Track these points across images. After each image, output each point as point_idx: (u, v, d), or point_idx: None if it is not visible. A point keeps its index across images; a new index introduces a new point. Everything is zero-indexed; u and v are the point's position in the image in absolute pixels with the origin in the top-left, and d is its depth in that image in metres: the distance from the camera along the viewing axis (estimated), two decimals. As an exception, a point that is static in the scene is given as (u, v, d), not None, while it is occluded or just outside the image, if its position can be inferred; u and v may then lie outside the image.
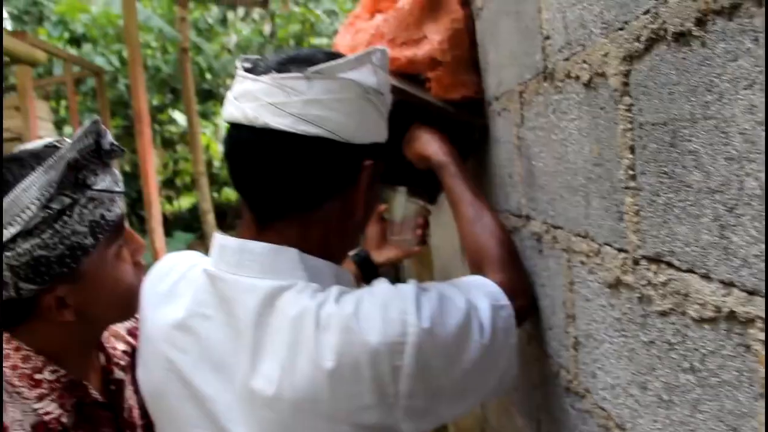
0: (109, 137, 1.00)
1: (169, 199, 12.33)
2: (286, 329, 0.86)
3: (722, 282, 0.58)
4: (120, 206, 1.00)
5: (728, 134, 0.55)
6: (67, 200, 0.91)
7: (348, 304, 0.87)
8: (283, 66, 0.91)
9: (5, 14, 10.98)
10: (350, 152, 0.92)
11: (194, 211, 11.08)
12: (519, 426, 1.60)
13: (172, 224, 11.10)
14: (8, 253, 0.88)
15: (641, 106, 0.71)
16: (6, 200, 0.88)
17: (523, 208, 1.30)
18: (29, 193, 0.88)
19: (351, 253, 1.57)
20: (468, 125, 1.55)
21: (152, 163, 5.82)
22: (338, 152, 0.91)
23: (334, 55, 0.93)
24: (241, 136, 0.92)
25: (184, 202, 12.52)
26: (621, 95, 0.76)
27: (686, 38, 0.60)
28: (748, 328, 0.55)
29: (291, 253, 0.92)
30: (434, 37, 1.54)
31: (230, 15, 11.58)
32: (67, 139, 0.98)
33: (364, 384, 0.84)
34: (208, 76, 10.89)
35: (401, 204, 1.51)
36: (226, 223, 11.67)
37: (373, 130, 0.95)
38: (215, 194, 11.85)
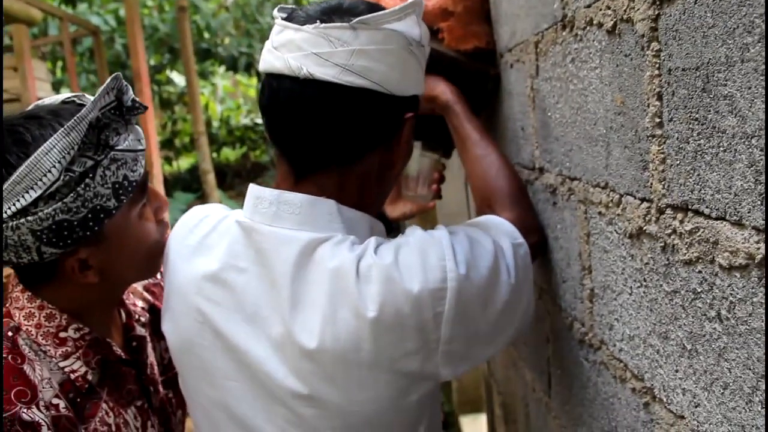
0: (131, 93, 0.97)
1: (168, 160, 12.27)
2: (325, 281, 0.86)
3: (756, 228, 0.57)
4: (143, 164, 0.97)
5: (768, 76, 0.53)
6: (90, 162, 0.89)
7: (387, 254, 0.87)
8: (327, 16, 0.89)
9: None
10: (394, 104, 0.92)
11: (194, 172, 11.04)
12: (528, 380, 1.61)
13: (172, 185, 11.08)
14: (30, 218, 0.86)
15: (671, 51, 0.69)
16: (26, 163, 0.85)
17: (536, 160, 1.29)
18: (50, 155, 0.85)
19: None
20: (481, 74, 1.53)
21: (152, 123, 5.77)
22: (383, 104, 0.90)
23: (376, 7, 0.92)
24: (282, 86, 0.90)
25: (184, 163, 12.47)
26: (649, 41, 0.74)
27: (723, -23, 0.58)
28: (784, 273, 0.54)
29: (329, 205, 0.92)
30: (445, -13, 1.51)
31: (227, -28, 11.38)
32: (88, 96, 0.96)
33: (408, 331, 0.85)
34: (207, 35, 10.74)
35: (416, 158, 1.50)
36: (225, 183, 11.65)
37: (414, 82, 0.94)
38: (215, 154, 11.80)
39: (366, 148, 0.93)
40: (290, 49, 0.88)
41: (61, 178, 0.86)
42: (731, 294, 0.63)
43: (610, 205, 0.92)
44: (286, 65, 0.88)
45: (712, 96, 0.62)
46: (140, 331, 1.11)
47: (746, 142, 0.57)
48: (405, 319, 0.84)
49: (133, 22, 5.57)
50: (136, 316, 1.13)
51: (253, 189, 0.96)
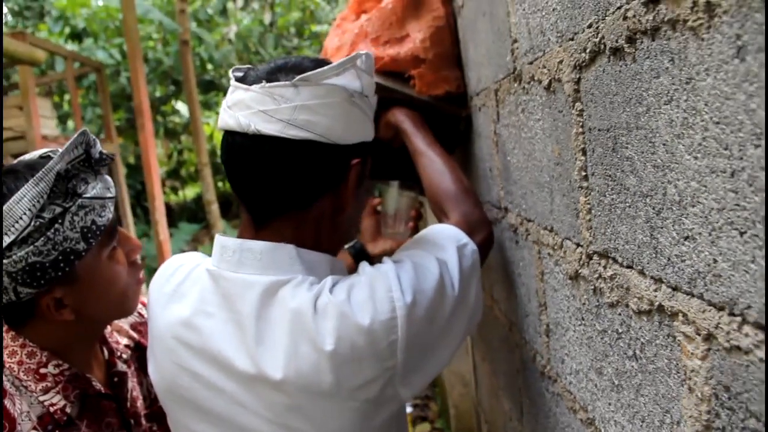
0: (99, 146, 1.05)
1: (175, 190, 12.41)
2: (287, 320, 0.93)
3: (653, 278, 0.64)
4: (111, 210, 1.05)
5: (654, 144, 0.60)
6: (58, 209, 0.97)
7: (341, 291, 0.94)
8: (272, 75, 0.97)
9: (5, 10, 11.01)
10: (338, 153, 0.98)
11: (199, 202, 11.16)
12: (506, 409, 1.66)
13: (178, 215, 11.19)
14: (5, 261, 0.94)
15: (590, 112, 0.76)
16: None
17: (501, 200, 1.35)
18: (22, 204, 0.94)
19: (347, 246, 1.64)
20: (452, 117, 1.60)
21: (155, 156, 5.88)
22: (327, 153, 0.97)
23: (321, 62, 0.99)
24: (235, 142, 0.98)
25: (189, 193, 12.60)
26: (573, 101, 0.81)
27: (621, 53, 0.65)
28: (674, 320, 0.60)
29: (288, 250, 0.99)
30: (417, 35, 1.59)
31: (230, 5, 11.58)
32: (59, 149, 1.04)
33: (365, 361, 0.91)
34: (210, 66, 10.92)
35: (394, 197, 1.57)
36: (230, 213, 11.74)
37: (359, 130, 1.00)
38: (219, 184, 11.91)
39: (316, 194, 1.00)
40: (240, 107, 0.96)
41: (32, 223, 0.95)
42: (642, 336, 0.69)
43: (556, 247, 0.98)
44: (237, 123, 0.95)
45: (618, 156, 0.69)
46: (122, 367, 1.18)
47: (643, 201, 0.64)
48: (360, 351, 0.91)
49: (135, 58, 5.70)
50: (119, 353, 1.20)
51: (218, 239, 1.04)
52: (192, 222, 10.52)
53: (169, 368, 1.05)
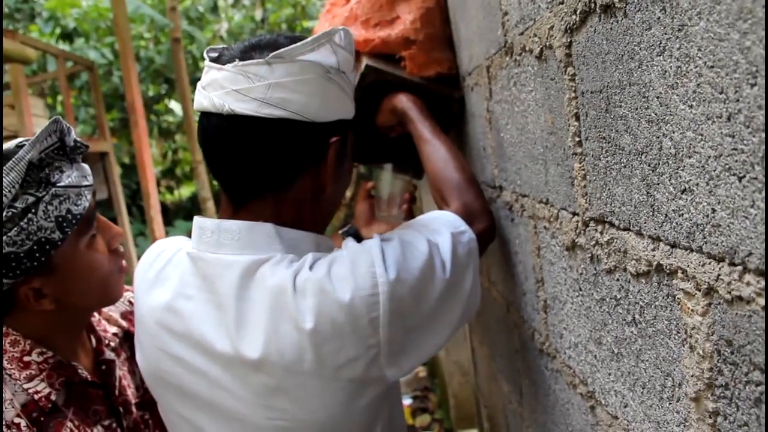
0: (73, 134, 1.03)
1: (170, 189, 12.37)
2: (266, 299, 0.91)
3: (651, 237, 0.62)
4: (88, 199, 1.03)
5: (648, 98, 0.58)
6: (31, 199, 0.95)
7: (321, 267, 0.92)
8: (246, 53, 0.95)
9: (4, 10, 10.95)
10: (315, 131, 0.96)
11: (195, 200, 11.13)
12: (505, 391, 1.65)
13: (174, 213, 11.16)
14: None
15: (582, 76, 0.75)
16: None
17: (496, 179, 1.34)
18: None
19: (341, 230, 1.62)
20: (445, 98, 1.59)
21: (149, 154, 5.86)
22: (303, 131, 0.95)
23: (297, 39, 0.96)
24: (210, 123, 0.96)
25: (185, 191, 12.55)
26: (565, 66, 0.79)
27: (612, 10, 0.63)
28: (673, 278, 0.59)
29: (266, 228, 0.97)
30: (407, 17, 1.57)
31: (221, 2, 11.53)
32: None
33: (346, 339, 0.89)
34: (202, 64, 10.89)
35: (388, 181, 1.55)
36: (227, 211, 11.71)
37: (337, 107, 0.98)
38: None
39: (293, 173, 0.98)
40: (214, 87, 0.94)
41: (4, 214, 0.93)
42: (640, 299, 0.68)
43: (552, 219, 0.97)
44: (211, 103, 0.94)
45: (612, 116, 0.67)
46: (109, 355, 1.17)
47: (638, 158, 0.62)
48: (341, 327, 0.89)
49: (126, 57, 5.67)
50: (106, 341, 1.18)
51: (197, 220, 1.02)
52: (188, 220, 10.48)
53: (154, 354, 1.04)
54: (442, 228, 1.06)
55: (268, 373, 0.91)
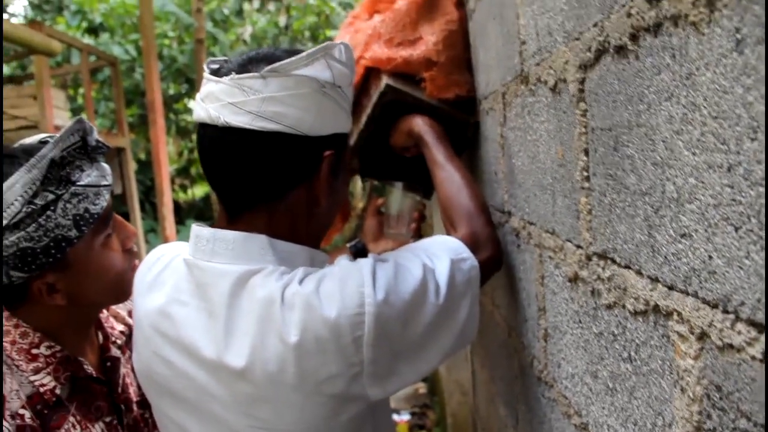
0: (95, 134, 1.06)
1: (184, 188, 12.46)
2: (255, 309, 0.93)
3: (650, 277, 0.63)
4: (106, 198, 1.05)
5: (654, 141, 0.59)
6: (51, 196, 0.98)
7: (310, 283, 0.93)
8: (243, 66, 0.96)
9: (25, 2, 11.12)
10: (309, 144, 0.97)
11: (207, 200, 11.20)
12: (502, 415, 1.65)
13: (186, 212, 11.22)
14: None
15: (593, 112, 0.76)
16: None
17: (505, 204, 1.35)
18: (14, 190, 0.95)
19: (349, 244, 1.64)
20: (461, 123, 1.60)
21: (165, 152, 5.91)
22: (297, 145, 0.96)
23: (295, 53, 0.97)
24: (207, 134, 0.98)
25: (198, 191, 12.63)
26: (578, 101, 0.80)
27: (624, 51, 0.65)
28: (668, 320, 0.60)
29: (260, 240, 0.98)
30: (429, 38, 1.59)
31: (246, 6, 11.64)
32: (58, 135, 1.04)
33: (329, 355, 0.90)
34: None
35: (397, 199, 1.56)
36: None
37: (332, 121, 1.00)
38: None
39: (287, 186, 1.00)
40: (211, 99, 0.96)
41: (23, 210, 0.95)
42: (637, 337, 0.68)
43: (556, 250, 0.97)
44: (207, 115, 0.96)
45: (619, 155, 0.68)
46: (115, 352, 1.19)
47: (642, 199, 0.63)
48: (325, 343, 0.90)
49: (149, 55, 5.74)
50: (113, 338, 1.20)
51: (194, 228, 1.04)
52: (199, 220, 10.52)
53: (147, 356, 1.06)
54: (442, 253, 1.06)
55: (252, 383, 0.92)
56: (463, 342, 1.08)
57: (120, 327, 1.25)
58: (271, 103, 0.92)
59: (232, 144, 0.95)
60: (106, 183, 1.06)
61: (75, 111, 9.59)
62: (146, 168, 9.86)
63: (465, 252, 1.09)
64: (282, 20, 11.47)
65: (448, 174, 1.30)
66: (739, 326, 0.47)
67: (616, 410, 0.77)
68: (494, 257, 1.17)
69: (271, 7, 11.87)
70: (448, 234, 1.21)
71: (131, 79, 10.14)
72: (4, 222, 0.95)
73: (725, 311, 0.49)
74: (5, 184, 0.95)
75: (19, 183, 0.95)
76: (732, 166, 0.46)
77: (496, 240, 1.19)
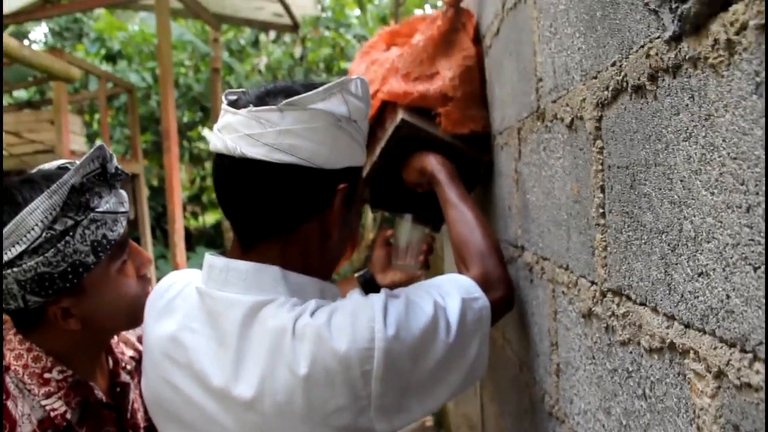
0: (115, 162, 1.08)
1: (195, 215, 12.51)
2: (266, 340, 0.93)
3: (666, 315, 0.64)
4: (123, 225, 1.07)
5: (672, 180, 0.60)
6: (70, 222, 0.99)
7: (322, 315, 0.94)
8: (261, 99, 0.98)
9: (46, 30, 11.32)
10: (323, 177, 0.99)
11: (218, 228, 11.23)
12: (511, 451, 1.63)
13: (197, 240, 11.25)
14: (15, 269, 0.96)
15: (610, 150, 0.77)
16: (14, 221, 0.96)
17: (519, 239, 1.36)
18: (34, 215, 0.96)
19: (357, 274, 1.64)
20: (474, 160, 1.61)
21: (178, 179, 5.95)
22: (311, 178, 0.98)
23: (312, 87, 0.99)
24: (223, 164, 1.00)
25: (209, 218, 12.68)
26: (594, 138, 0.82)
27: (642, 91, 0.66)
28: (684, 358, 0.60)
29: (273, 271, 0.99)
30: (446, 73, 1.61)
31: (262, 37, 11.80)
32: (78, 161, 1.06)
33: (337, 388, 0.91)
34: (238, 96, 11.06)
35: (406, 230, 1.57)
36: (248, 241, 11.76)
37: (346, 155, 1.01)
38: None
39: (300, 218, 1.01)
40: (228, 131, 0.98)
41: (43, 235, 0.97)
42: (652, 374, 0.68)
43: (570, 285, 0.98)
44: (224, 146, 0.97)
45: (636, 193, 0.69)
46: (125, 378, 1.19)
47: (659, 237, 0.64)
48: (334, 376, 0.90)
49: (165, 83, 5.81)
50: (123, 364, 1.21)
51: (207, 258, 1.05)
52: (210, 247, 10.56)
53: (156, 382, 1.06)
54: (453, 291, 1.07)
55: (260, 413, 0.92)
56: (471, 380, 1.08)
57: (130, 352, 1.26)
58: (287, 136, 0.94)
59: (248, 175, 0.97)
60: (123, 210, 1.08)
61: (90, 137, 9.70)
62: (158, 194, 9.92)
63: (477, 291, 1.10)
64: (297, 51, 11.60)
65: (461, 214, 1.31)
66: (757, 366, 0.47)
67: (629, 448, 0.76)
68: (506, 297, 1.18)
69: (287, 38, 12.03)
70: (460, 272, 1.22)
71: (147, 106, 10.25)
72: (24, 247, 0.96)
73: (743, 350, 0.49)
74: (26, 210, 0.96)
75: (39, 209, 0.96)
76: (751, 207, 0.46)
77: (508, 280, 1.20)
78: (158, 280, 1.20)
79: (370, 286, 1.58)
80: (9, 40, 3.76)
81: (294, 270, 1.00)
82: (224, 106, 1.02)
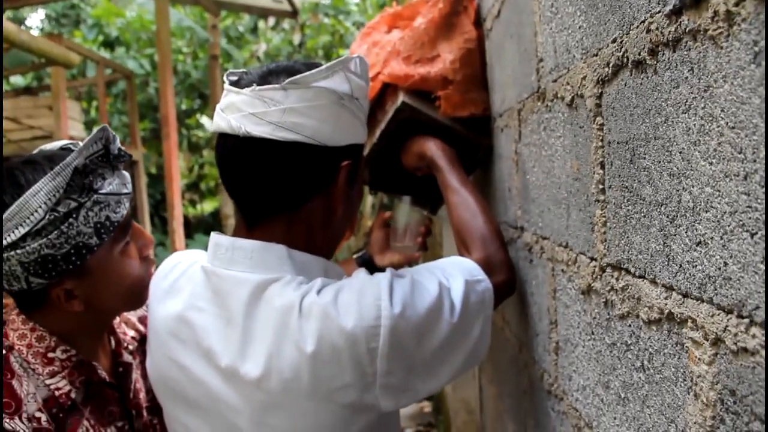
0: (118, 143, 1.08)
1: (193, 203, 12.51)
2: (273, 318, 0.94)
3: (664, 286, 0.65)
4: (126, 207, 1.07)
5: (671, 153, 0.61)
6: (73, 204, 0.99)
7: (328, 293, 0.95)
8: (263, 78, 0.99)
9: (43, 16, 11.28)
10: (327, 154, 1.00)
11: (216, 215, 11.23)
12: (510, 431, 1.65)
13: (195, 227, 11.26)
14: (18, 251, 0.97)
15: (610, 126, 0.78)
16: (17, 202, 0.96)
17: (518, 220, 1.37)
18: (38, 197, 0.96)
19: (355, 255, 1.66)
20: (474, 145, 1.62)
21: (177, 166, 5.95)
22: (316, 155, 0.99)
23: (314, 66, 1.00)
24: (227, 144, 1.00)
25: (207, 206, 12.68)
26: (595, 115, 0.82)
27: (643, 66, 0.67)
28: (683, 327, 0.61)
29: (279, 249, 1.00)
30: (447, 56, 1.61)
31: (261, 24, 11.75)
32: (80, 142, 1.07)
33: (344, 365, 0.92)
34: (237, 83, 11.02)
35: (405, 212, 1.58)
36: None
37: (349, 132, 1.02)
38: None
39: (305, 195, 1.02)
40: (232, 110, 0.98)
41: (47, 217, 0.97)
42: (650, 346, 0.70)
43: (569, 263, 0.99)
44: (228, 125, 0.98)
45: (636, 167, 0.70)
46: (127, 358, 1.20)
47: (658, 209, 0.65)
48: (340, 353, 0.92)
49: (164, 69, 5.80)
50: (125, 344, 1.22)
51: (213, 237, 1.06)
52: (208, 234, 10.54)
53: (162, 361, 1.07)
54: (457, 273, 1.08)
55: (266, 391, 0.94)
56: (473, 361, 1.09)
57: (131, 333, 1.27)
58: (291, 114, 0.95)
59: (253, 153, 0.97)
60: (126, 191, 1.08)
61: (88, 124, 9.68)
62: (156, 182, 9.92)
63: (480, 274, 1.11)
64: (296, 38, 11.56)
65: (462, 199, 1.32)
66: (754, 330, 0.48)
67: (628, 420, 0.78)
68: (508, 281, 1.19)
69: (286, 25, 11.99)
70: (462, 256, 1.23)
71: (145, 93, 10.23)
72: (27, 229, 0.96)
73: (740, 316, 0.50)
74: (30, 191, 0.96)
75: (43, 190, 0.97)
76: (749, 174, 0.47)
77: (510, 265, 1.21)
78: (157, 267, 1.21)
79: (368, 267, 1.59)
80: (8, 25, 3.75)
81: (298, 248, 1.01)
82: (226, 86, 1.02)
